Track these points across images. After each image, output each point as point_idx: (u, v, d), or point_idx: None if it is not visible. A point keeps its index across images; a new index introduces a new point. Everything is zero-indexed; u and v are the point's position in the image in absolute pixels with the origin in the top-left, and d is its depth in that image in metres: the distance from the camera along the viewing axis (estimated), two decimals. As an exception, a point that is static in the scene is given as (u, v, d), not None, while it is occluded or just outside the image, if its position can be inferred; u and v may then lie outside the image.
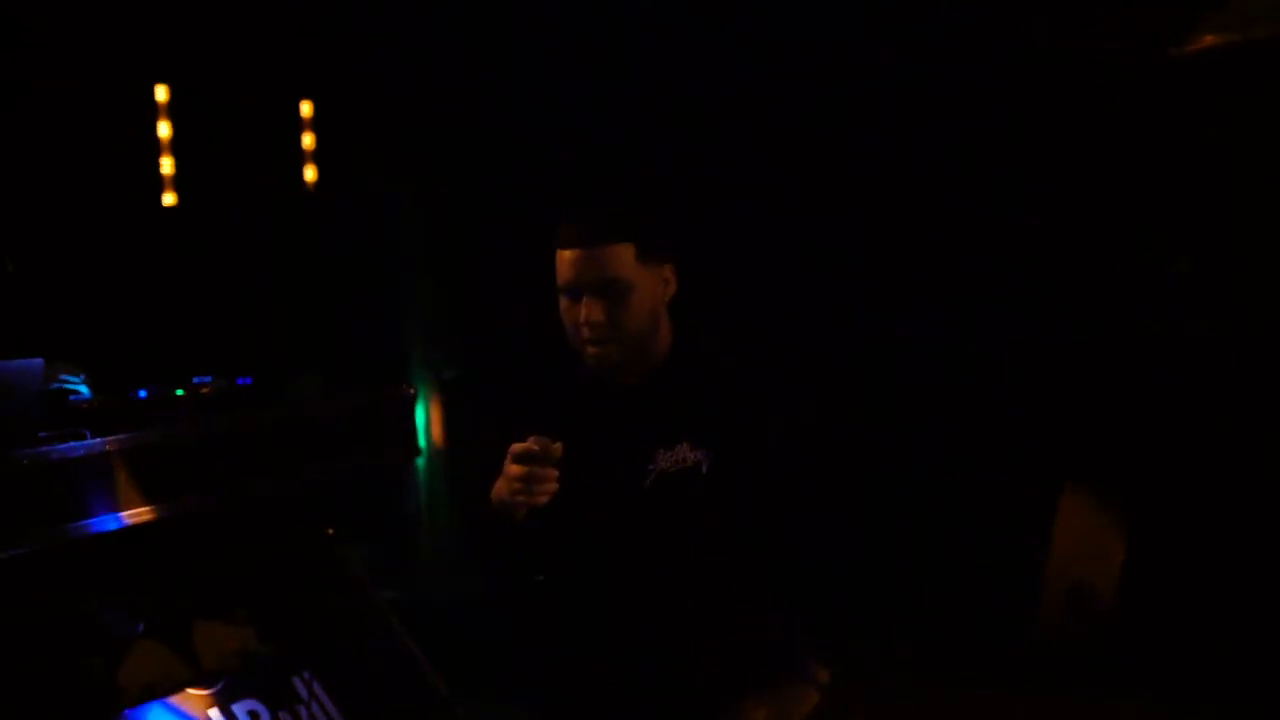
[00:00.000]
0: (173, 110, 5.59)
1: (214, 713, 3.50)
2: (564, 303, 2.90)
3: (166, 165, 5.59)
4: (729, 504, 2.85)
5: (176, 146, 5.60)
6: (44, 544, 3.51)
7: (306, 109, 5.92)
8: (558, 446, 2.65)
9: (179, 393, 4.22)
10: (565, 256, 2.89)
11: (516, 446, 2.66)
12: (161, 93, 5.57)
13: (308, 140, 5.93)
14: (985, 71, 5.51)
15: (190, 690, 3.54)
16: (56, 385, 4.07)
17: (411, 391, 4.56)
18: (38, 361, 3.98)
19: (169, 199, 5.59)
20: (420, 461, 4.95)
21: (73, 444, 3.66)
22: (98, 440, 3.71)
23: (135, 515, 3.69)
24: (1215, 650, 4.83)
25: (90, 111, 5.46)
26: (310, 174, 5.92)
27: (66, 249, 5.30)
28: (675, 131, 5.84)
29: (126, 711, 3.41)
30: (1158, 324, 5.29)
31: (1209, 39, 5.08)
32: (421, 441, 4.65)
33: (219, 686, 3.58)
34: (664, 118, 5.85)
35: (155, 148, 5.59)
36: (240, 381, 4.44)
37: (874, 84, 5.62)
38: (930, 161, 5.56)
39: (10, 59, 5.29)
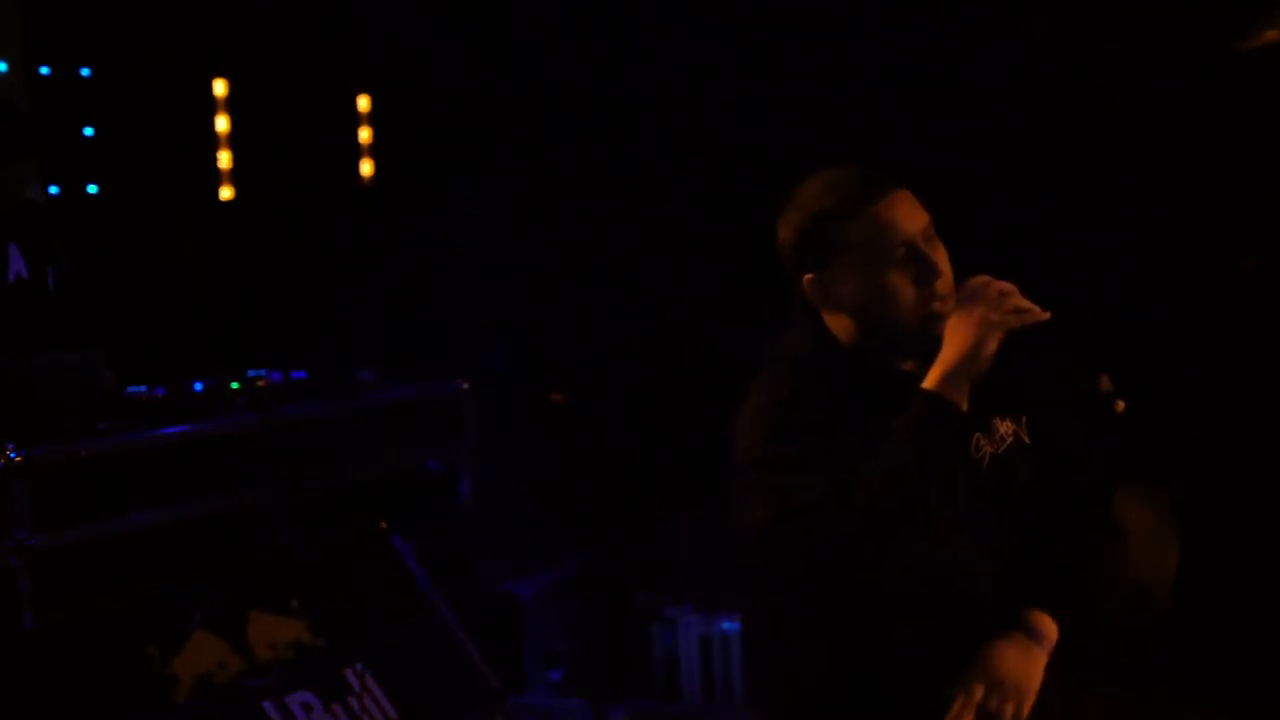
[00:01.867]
0: (231, 104, 5.61)
1: (268, 704, 3.52)
2: (890, 270, 2.42)
3: (224, 159, 5.61)
4: (1060, 475, 2.58)
5: (234, 140, 5.62)
6: (102, 534, 3.55)
7: (364, 103, 5.93)
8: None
9: (234, 386, 4.25)
10: (888, 207, 2.44)
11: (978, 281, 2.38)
12: (220, 87, 5.60)
13: (364, 134, 5.94)
14: (1049, 64, 5.46)
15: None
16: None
17: (465, 386, 4.57)
18: (97, 353, 4.02)
19: (226, 193, 5.61)
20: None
21: (131, 435, 3.70)
22: (154, 432, 3.75)
23: (191, 507, 3.72)
24: (1274, 651, 4.78)
25: (149, 105, 5.49)
26: (367, 168, 5.93)
27: (124, 243, 5.33)
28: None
29: (181, 702, 3.43)
30: (1221, 322, 5.24)
31: (1271, 34, 5.04)
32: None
33: (272, 678, 3.60)
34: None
35: (213, 142, 5.62)
36: (295, 375, 4.48)
37: (944, 72, 5.56)
38: (999, 152, 5.52)
39: (70, 53, 5.33)
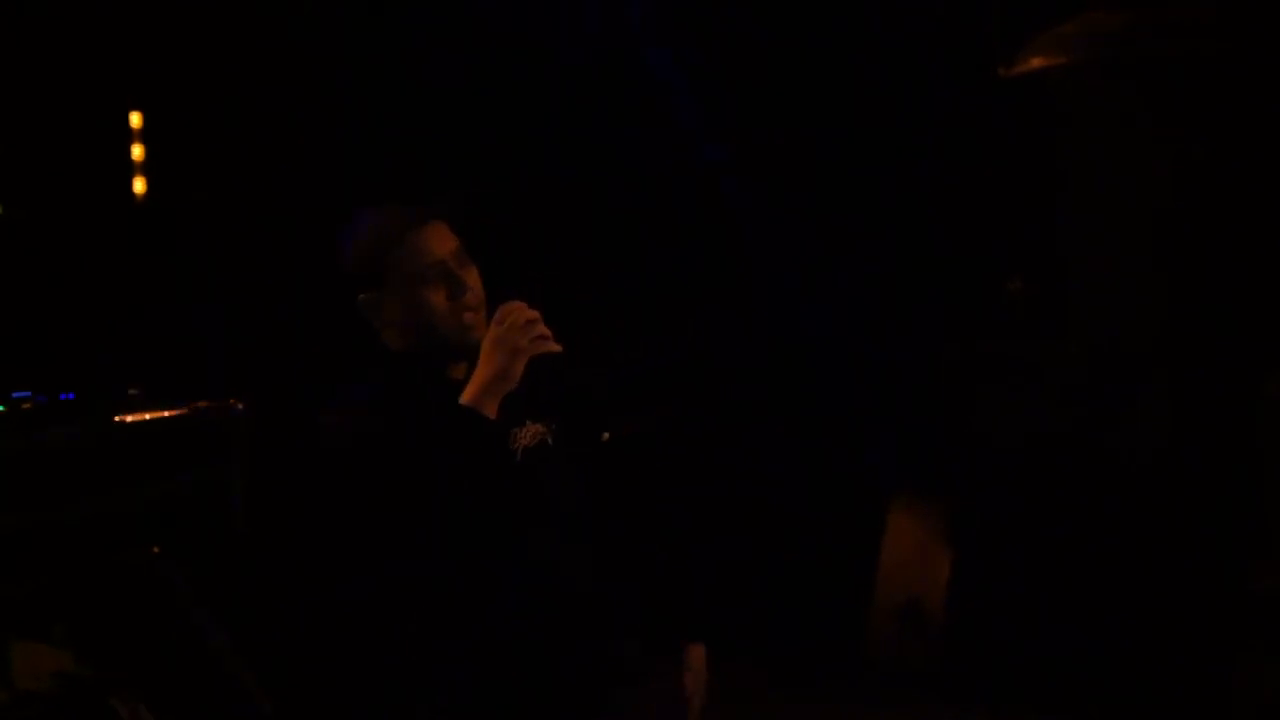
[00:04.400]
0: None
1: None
2: (427, 287, 2.85)
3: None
4: (581, 473, 2.98)
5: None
6: None
7: (136, 120, 5.82)
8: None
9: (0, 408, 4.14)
10: (422, 235, 2.87)
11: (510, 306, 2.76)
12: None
13: (137, 152, 5.83)
14: (817, 86, 5.58)
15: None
16: None
17: (240, 407, 4.50)
18: None
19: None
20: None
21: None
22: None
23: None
24: (1042, 660, 4.92)
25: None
26: (139, 186, 5.82)
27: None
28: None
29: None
30: (989, 341, 5.38)
31: (1036, 61, 5.19)
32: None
33: (36, 709, 3.51)
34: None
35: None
36: (64, 396, 4.37)
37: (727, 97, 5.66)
38: (767, 173, 5.62)
39: None
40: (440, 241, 2.87)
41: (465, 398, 2.75)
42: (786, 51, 5.64)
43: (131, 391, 4.49)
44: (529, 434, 2.93)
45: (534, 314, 2.77)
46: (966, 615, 5.12)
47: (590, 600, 2.90)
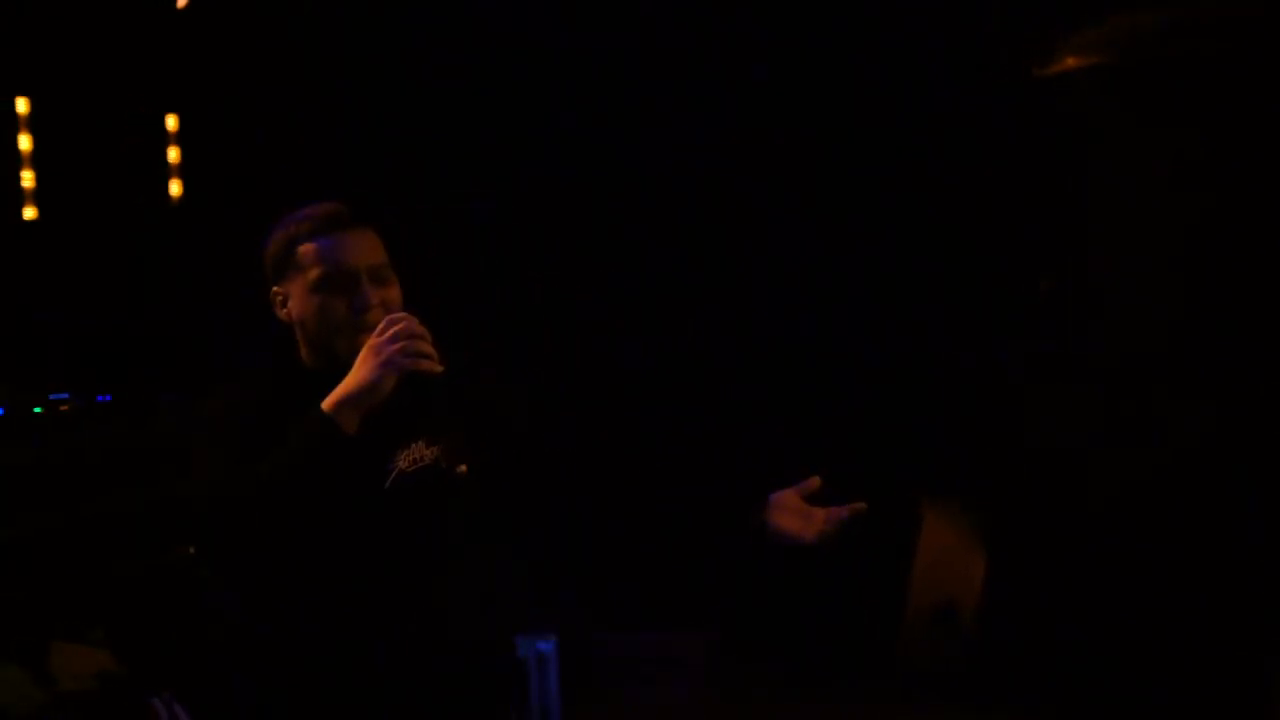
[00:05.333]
0: (33, 123, 5.51)
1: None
2: (330, 294, 2.69)
3: (27, 179, 5.50)
4: (472, 501, 2.77)
5: (37, 159, 5.51)
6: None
7: (172, 123, 5.85)
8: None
9: (37, 410, 4.17)
10: (343, 240, 2.71)
11: (397, 317, 2.61)
12: (22, 105, 5.49)
13: (173, 154, 5.86)
14: (849, 86, 5.57)
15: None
16: None
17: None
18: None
19: (30, 213, 5.50)
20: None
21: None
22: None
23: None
24: (1075, 666, 4.90)
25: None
26: (175, 188, 5.85)
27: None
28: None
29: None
30: (1020, 342, 5.37)
31: (1071, 61, 5.17)
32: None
33: (76, 709, 3.53)
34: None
35: (16, 161, 5.50)
36: (100, 399, 4.40)
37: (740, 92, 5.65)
38: (794, 174, 5.61)
39: None
40: (360, 251, 2.71)
41: (326, 404, 2.57)
42: (822, 51, 5.63)
43: (167, 395, 4.51)
44: (410, 457, 2.72)
45: (421, 330, 2.60)
46: (1000, 619, 5.11)
47: (439, 651, 2.66)
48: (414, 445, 2.72)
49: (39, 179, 5.50)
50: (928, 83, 5.55)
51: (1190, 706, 4.61)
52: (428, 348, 2.58)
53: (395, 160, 5.89)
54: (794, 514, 2.76)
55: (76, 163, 5.53)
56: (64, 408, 4.23)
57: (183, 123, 5.85)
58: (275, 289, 2.76)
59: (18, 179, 5.50)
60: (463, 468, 2.73)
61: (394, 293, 2.71)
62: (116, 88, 5.72)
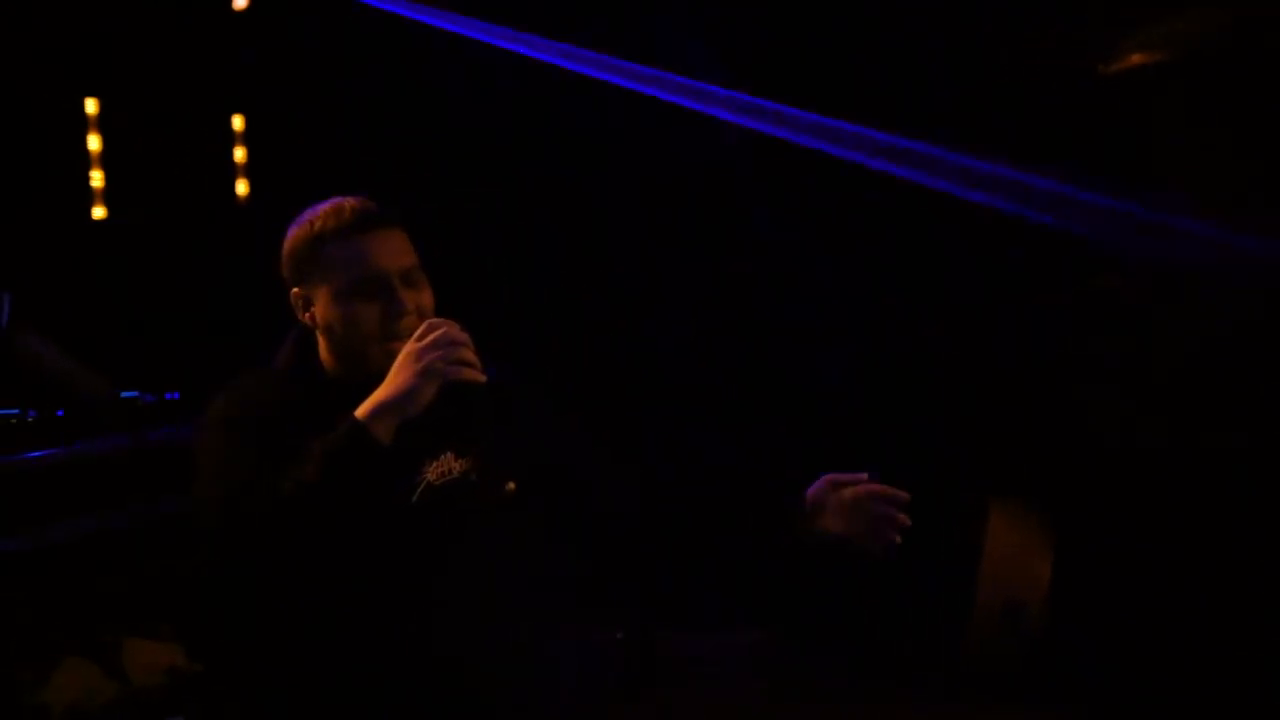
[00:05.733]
0: (102, 123, 5.56)
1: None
2: (359, 298, 2.54)
3: (96, 179, 5.56)
4: (519, 517, 2.64)
5: (106, 160, 5.57)
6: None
7: (239, 123, 5.90)
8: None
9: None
10: (372, 241, 2.56)
11: (436, 322, 2.46)
12: (91, 106, 5.54)
13: (240, 154, 5.90)
14: (912, 85, 5.55)
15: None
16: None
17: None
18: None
19: (99, 212, 5.55)
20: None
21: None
22: (22, 456, 3.70)
23: (60, 530, 3.67)
24: (1143, 667, 4.87)
25: (20, 124, 5.42)
26: (242, 188, 5.89)
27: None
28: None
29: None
30: (1084, 340, 5.34)
31: (1136, 57, 5.14)
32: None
33: (147, 704, 3.56)
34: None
35: (85, 161, 5.56)
36: (169, 396, 4.44)
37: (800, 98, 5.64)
38: (856, 171, 5.60)
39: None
40: (390, 253, 2.56)
41: (360, 411, 2.39)
42: (879, 44, 5.61)
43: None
44: (439, 469, 2.58)
45: (462, 336, 2.45)
46: (1067, 619, 5.08)
47: (468, 679, 2.51)
48: (443, 457, 2.58)
49: (108, 179, 5.56)
50: (989, 80, 5.53)
51: (1265, 711, 4.58)
52: (470, 355, 2.44)
53: (464, 156, 5.90)
54: (840, 513, 2.72)
55: (144, 163, 5.58)
56: (135, 405, 4.27)
57: (249, 123, 5.90)
58: (296, 290, 2.62)
59: (87, 179, 5.56)
60: (511, 485, 2.61)
61: (427, 296, 2.58)
62: (184, 89, 5.77)
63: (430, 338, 2.43)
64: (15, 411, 4.16)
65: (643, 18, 5.60)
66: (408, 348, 2.43)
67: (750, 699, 5.16)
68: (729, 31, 5.63)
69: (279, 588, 2.43)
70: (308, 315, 2.60)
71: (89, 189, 5.55)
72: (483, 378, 2.43)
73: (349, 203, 2.60)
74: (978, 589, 5.21)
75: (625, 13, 5.57)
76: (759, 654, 5.15)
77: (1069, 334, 5.40)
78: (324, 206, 2.61)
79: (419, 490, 2.54)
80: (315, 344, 2.63)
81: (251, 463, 2.38)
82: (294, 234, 2.62)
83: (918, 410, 5.55)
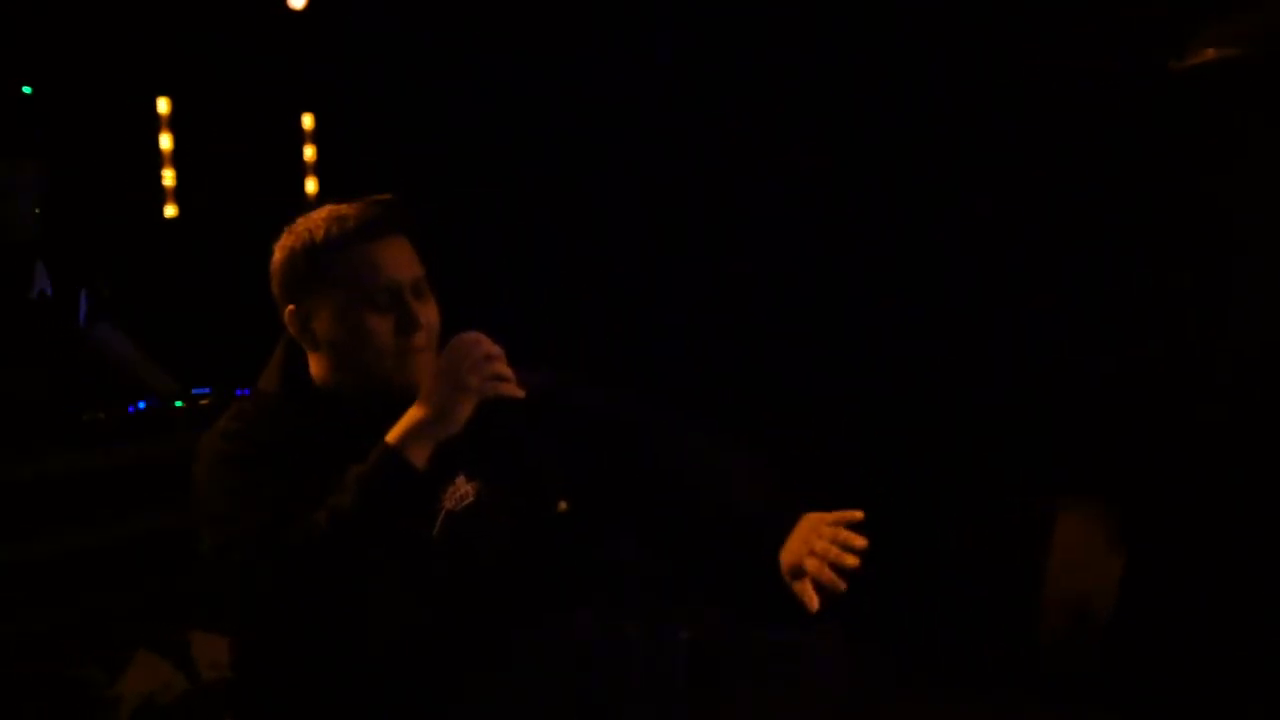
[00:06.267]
0: (174, 122, 5.61)
1: (213, 725, 3.51)
2: (370, 312, 2.35)
3: (168, 177, 5.60)
4: (565, 538, 2.51)
5: (178, 158, 5.62)
6: (42, 553, 3.53)
7: (308, 121, 5.93)
8: None
9: (178, 405, 4.25)
10: (379, 250, 2.36)
11: (469, 336, 2.30)
12: (163, 105, 5.59)
13: (309, 153, 5.94)
14: (982, 82, 5.52)
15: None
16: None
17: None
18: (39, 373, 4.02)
19: (170, 210, 5.60)
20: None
21: (71, 455, 3.69)
22: (95, 451, 3.73)
23: (130, 526, 3.70)
24: (1213, 666, 4.83)
25: (93, 123, 5.48)
26: (312, 186, 5.93)
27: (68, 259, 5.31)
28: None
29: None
30: (1156, 339, 5.29)
31: (1209, 53, 5.08)
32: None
33: (216, 698, 3.58)
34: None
35: (157, 159, 5.62)
36: (239, 393, 4.47)
37: (874, 88, 5.62)
38: (924, 169, 5.57)
39: (12, 72, 5.31)
40: (401, 263, 2.37)
41: (392, 436, 2.23)
42: (949, 41, 5.58)
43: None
44: (455, 495, 2.40)
45: (495, 349, 2.29)
46: (1137, 618, 5.04)
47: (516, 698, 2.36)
48: (457, 480, 2.40)
49: (179, 177, 5.61)
50: (1058, 77, 5.49)
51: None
52: (505, 368, 2.29)
53: (534, 154, 5.91)
54: (796, 543, 2.47)
55: (215, 161, 5.63)
56: (204, 402, 4.30)
57: (318, 121, 5.93)
58: (292, 308, 2.40)
59: (159, 178, 5.61)
60: (563, 505, 2.49)
61: (434, 311, 2.40)
62: (254, 88, 5.82)
63: (465, 353, 2.27)
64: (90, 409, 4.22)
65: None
66: (440, 366, 2.27)
67: (814, 700, 5.14)
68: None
69: (312, 625, 2.22)
70: (306, 332, 2.39)
71: (161, 187, 5.60)
72: (520, 393, 2.28)
73: (348, 209, 2.41)
74: (1046, 589, 5.18)
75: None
76: (826, 652, 5.14)
77: (1143, 333, 5.35)
78: (317, 215, 2.42)
79: (439, 520, 2.37)
80: (303, 363, 2.43)
81: (274, 496, 2.20)
82: (287, 246, 2.42)
83: (984, 406, 5.51)
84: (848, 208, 5.79)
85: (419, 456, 2.22)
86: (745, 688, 2.63)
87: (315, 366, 2.41)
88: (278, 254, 2.42)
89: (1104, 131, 5.45)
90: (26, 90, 5.26)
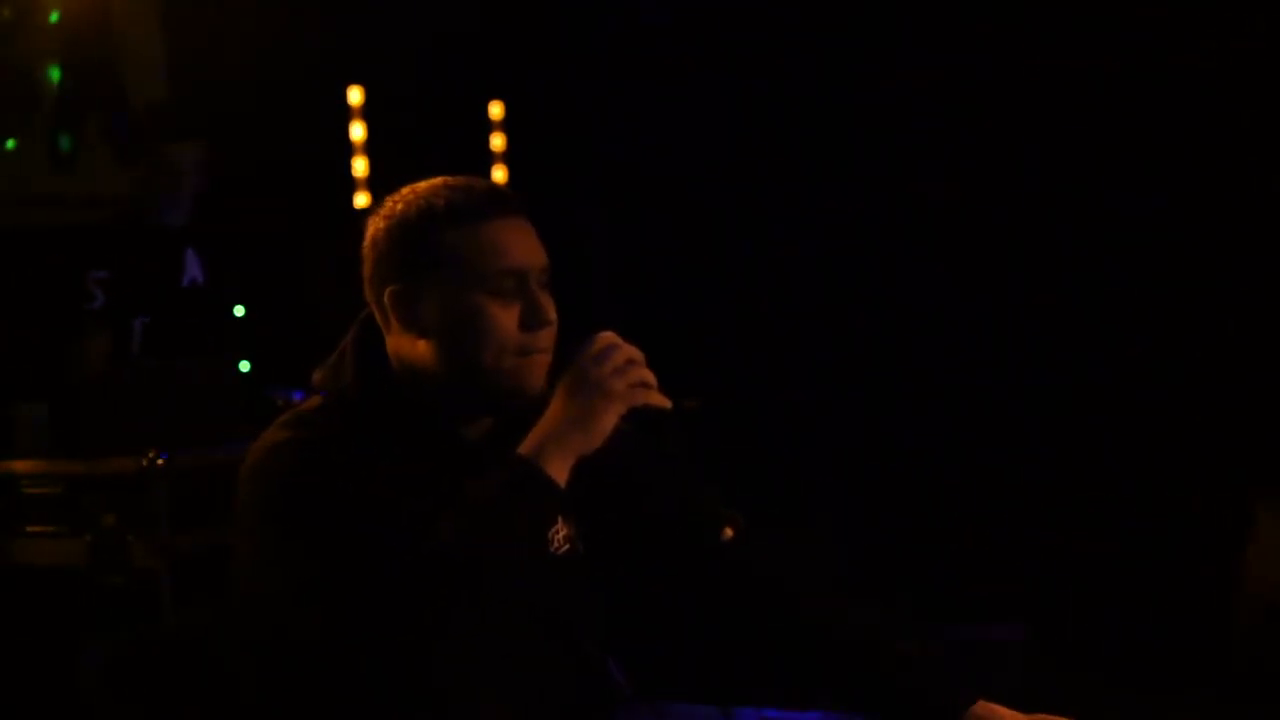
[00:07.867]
0: (366, 112, 5.68)
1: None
2: (491, 298, 2.00)
3: (359, 167, 5.67)
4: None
5: (370, 147, 5.68)
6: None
7: (497, 110, 5.96)
8: None
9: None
10: (503, 230, 2.02)
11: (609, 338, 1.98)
12: (355, 95, 5.67)
13: (497, 142, 5.97)
14: (1037, 70, 5.37)
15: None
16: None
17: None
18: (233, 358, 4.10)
19: (362, 200, 5.67)
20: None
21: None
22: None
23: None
24: None
25: (285, 112, 5.56)
26: (499, 175, 5.97)
27: (261, 249, 5.39)
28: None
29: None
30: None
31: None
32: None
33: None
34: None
35: (349, 149, 5.68)
36: (295, 395, 4.49)
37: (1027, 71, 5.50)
38: (1094, 159, 5.44)
39: (204, 62, 5.44)
40: (531, 248, 2.03)
41: (526, 447, 1.90)
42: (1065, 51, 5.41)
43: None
44: (561, 536, 2.06)
45: (636, 352, 1.97)
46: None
47: None
48: (559, 521, 2.05)
49: (371, 167, 5.68)
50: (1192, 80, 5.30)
51: None
52: (650, 375, 1.97)
53: (717, 143, 5.88)
54: None
55: (405, 150, 5.69)
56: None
57: (507, 110, 5.96)
58: (393, 289, 2.03)
59: (350, 167, 5.68)
60: (729, 531, 2.14)
61: (553, 308, 2.05)
62: (443, 77, 5.86)
63: (608, 356, 1.95)
64: (282, 393, 4.30)
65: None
66: (584, 370, 1.94)
67: (1009, 694, 5.08)
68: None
69: (411, 671, 1.84)
70: (408, 320, 2.03)
71: (352, 177, 5.67)
72: (668, 402, 1.95)
73: (469, 182, 2.07)
74: (1242, 589, 5.07)
75: None
76: (1015, 649, 5.08)
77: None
78: (438, 183, 2.07)
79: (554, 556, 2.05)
80: (383, 360, 2.06)
81: (375, 520, 1.87)
82: (398, 215, 2.05)
83: (1180, 403, 5.40)
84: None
85: (559, 471, 1.89)
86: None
87: (414, 357, 2.04)
88: (380, 223, 2.07)
89: (1161, 120, 5.28)
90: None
